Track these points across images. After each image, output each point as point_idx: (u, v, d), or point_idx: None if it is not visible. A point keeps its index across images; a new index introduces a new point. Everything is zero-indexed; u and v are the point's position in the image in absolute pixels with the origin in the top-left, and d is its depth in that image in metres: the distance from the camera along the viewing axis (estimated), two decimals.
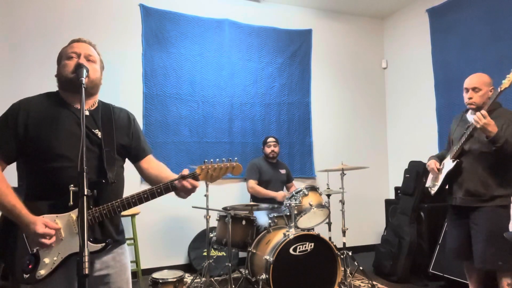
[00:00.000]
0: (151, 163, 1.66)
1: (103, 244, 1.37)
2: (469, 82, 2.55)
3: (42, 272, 1.32)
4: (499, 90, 2.32)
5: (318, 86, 4.92)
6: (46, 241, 1.30)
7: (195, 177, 1.45)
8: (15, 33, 3.65)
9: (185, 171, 1.46)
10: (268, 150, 4.03)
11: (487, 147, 2.43)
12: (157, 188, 1.43)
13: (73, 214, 1.36)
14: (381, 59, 5.32)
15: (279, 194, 3.78)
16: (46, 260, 1.33)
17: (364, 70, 5.21)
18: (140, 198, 1.41)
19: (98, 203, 1.38)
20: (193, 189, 1.46)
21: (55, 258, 1.34)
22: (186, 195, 1.47)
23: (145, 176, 1.65)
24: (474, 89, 2.51)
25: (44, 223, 1.31)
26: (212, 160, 1.49)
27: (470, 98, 2.52)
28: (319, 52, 4.95)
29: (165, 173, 1.62)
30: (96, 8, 3.96)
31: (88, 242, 1.33)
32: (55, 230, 1.33)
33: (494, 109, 2.45)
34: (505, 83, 2.29)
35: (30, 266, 1.31)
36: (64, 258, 1.35)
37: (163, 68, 4.16)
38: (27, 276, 1.31)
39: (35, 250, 1.33)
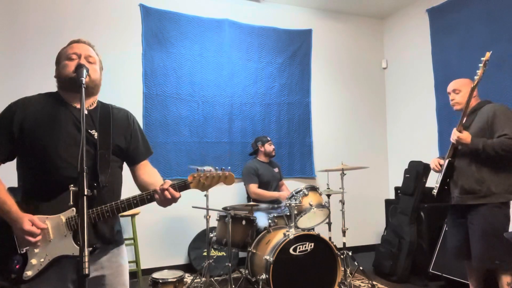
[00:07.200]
0: (145, 169, 1.62)
1: (90, 248, 1.33)
2: (449, 86, 2.73)
3: (29, 273, 1.32)
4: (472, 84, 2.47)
5: (318, 86, 4.92)
6: (31, 238, 1.30)
7: (186, 185, 1.42)
8: (16, 34, 3.65)
9: (167, 183, 1.41)
10: (270, 148, 4.01)
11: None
12: (146, 195, 1.41)
13: (63, 216, 1.35)
14: (381, 59, 5.32)
15: (283, 194, 3.75)
16: (33, 261, 1.33)
17: (364, 70, 5.21)
18: (129, 204, 1.40)
19: (92, 205, 1.36)
20: (173, 199, 1.40)
21: (42, 260, 1.33)
22: (165, 205, 1.42)
23: (136, 181, 1.61)
24: (454, 90, 2.68)
25: (30, 220, 1.30)
26: (204, 168, 1.46)
27: (452, 100, 2.68)
28: (319, 52, 4.95)
29: (156, 181, 1.56)
30: (96, 8, 3.96)
31: (76, 245, 1.33)
32: (42, 230, 1.32)
33: (481, 107, 2.55)
34: (477, 79, 2.45)
35: (17, 267, 1.31)
36: (51, 260, 1.34)
37: (163, 68, 4.16)
38: (14, 276, 1.31)
39: (24, 251, 1.32)
